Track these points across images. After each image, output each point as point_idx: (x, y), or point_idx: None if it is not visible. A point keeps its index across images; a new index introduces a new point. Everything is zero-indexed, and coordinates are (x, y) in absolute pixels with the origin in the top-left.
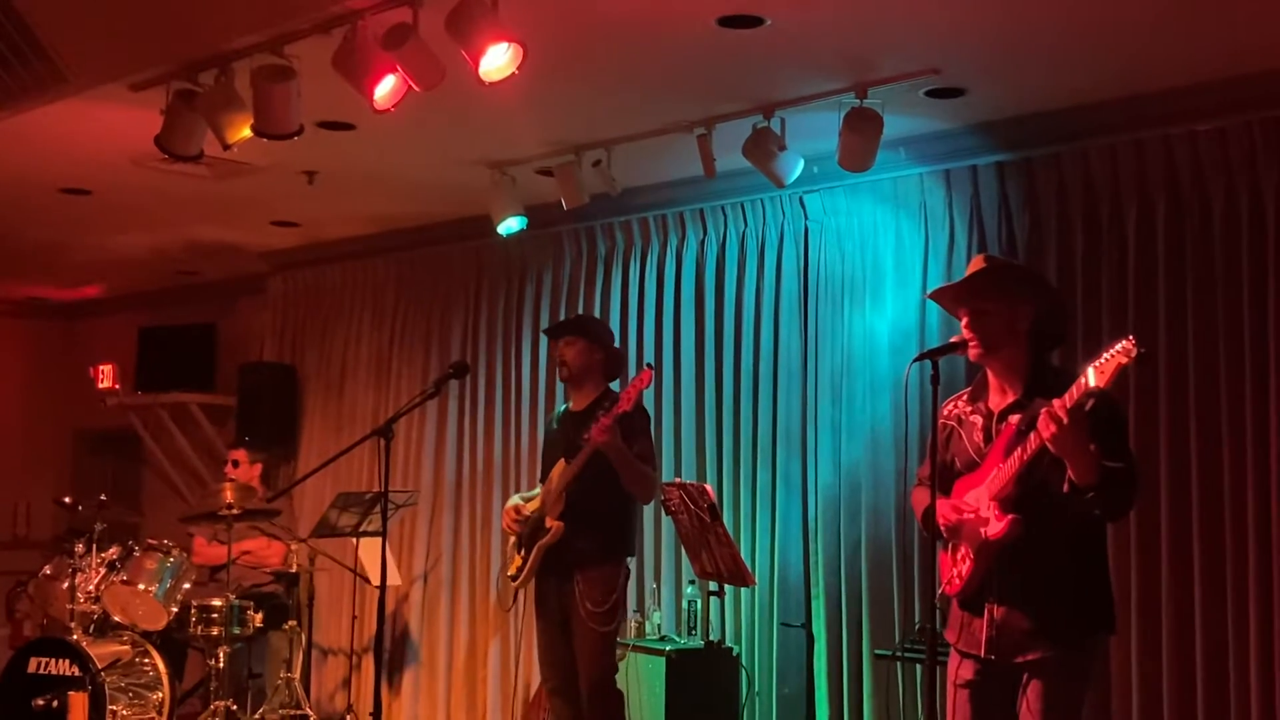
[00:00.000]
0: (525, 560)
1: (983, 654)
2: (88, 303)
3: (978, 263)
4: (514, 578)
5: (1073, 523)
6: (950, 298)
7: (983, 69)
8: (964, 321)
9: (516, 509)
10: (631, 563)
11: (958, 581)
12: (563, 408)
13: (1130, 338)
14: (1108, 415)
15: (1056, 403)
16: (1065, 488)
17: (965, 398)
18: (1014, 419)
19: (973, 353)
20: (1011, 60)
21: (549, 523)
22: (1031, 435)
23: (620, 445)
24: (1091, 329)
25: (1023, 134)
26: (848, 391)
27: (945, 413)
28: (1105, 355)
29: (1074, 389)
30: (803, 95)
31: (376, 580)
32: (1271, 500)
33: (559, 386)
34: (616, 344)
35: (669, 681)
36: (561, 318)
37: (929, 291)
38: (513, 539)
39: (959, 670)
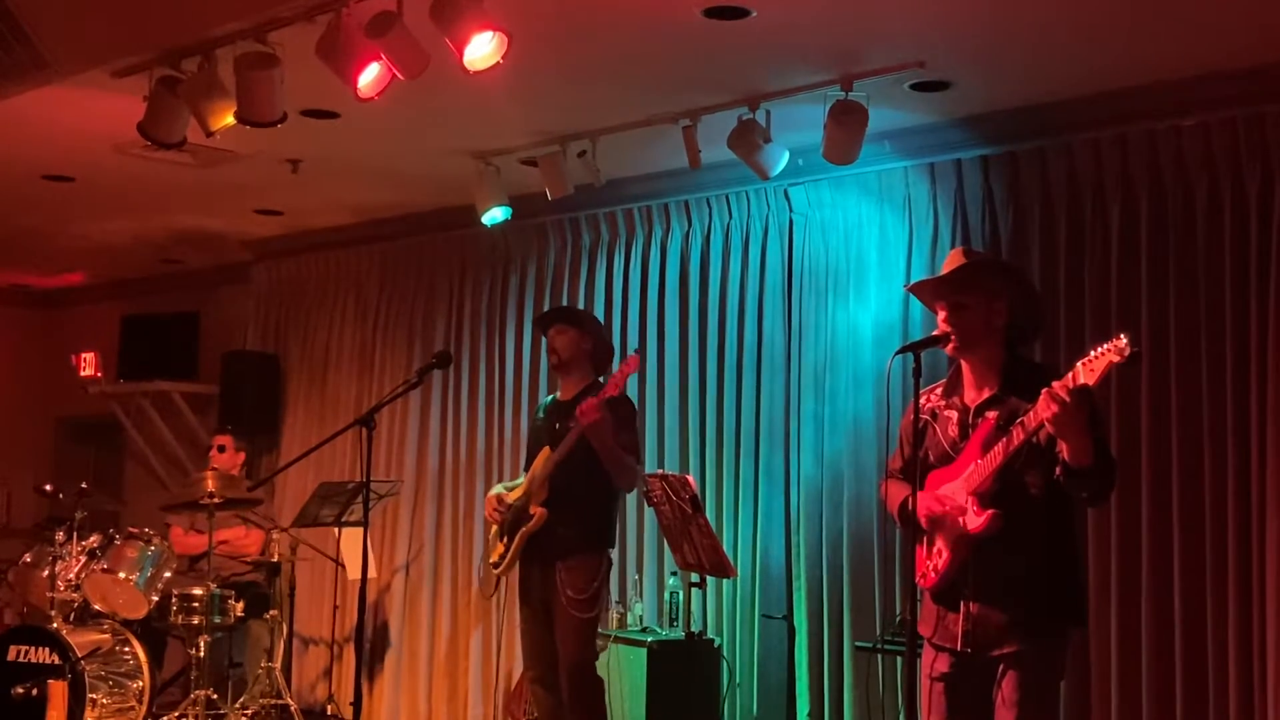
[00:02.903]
0: (508, 548)
1: (959, 648)
2: (70, 290)
3: (956, 256)
4: (496, 565)
5: (1047, 518)
6: (929, 291)
7: (968, 62)
8: (941, 315)
9: (499, 498)
10: (613, 553)
11: (933, 575)
12: (550, 398)
13: (1122, 336)
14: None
15: (1057, 384)
16: (1058, 471)
17: (940, 391)
18: (991, 414)
19: (950, 347)
20: (996, 54)
21: (533, 509)
22: (1014, 430)
23: (606, 428)
24: (1074, 323)
25: (1007, 128)
26: (831, 384)
27: (920, 404)
28: (1095, 352)
29: (1070, 376)
30: (788, 87)
31: (353, 574)
32: (1251, 495)
33: (543, 377)
34: (606, 336)
35: (650, 672)
36: (546, 308)
37: (908, 284)
38: (495, 527)
39: (934, 663)
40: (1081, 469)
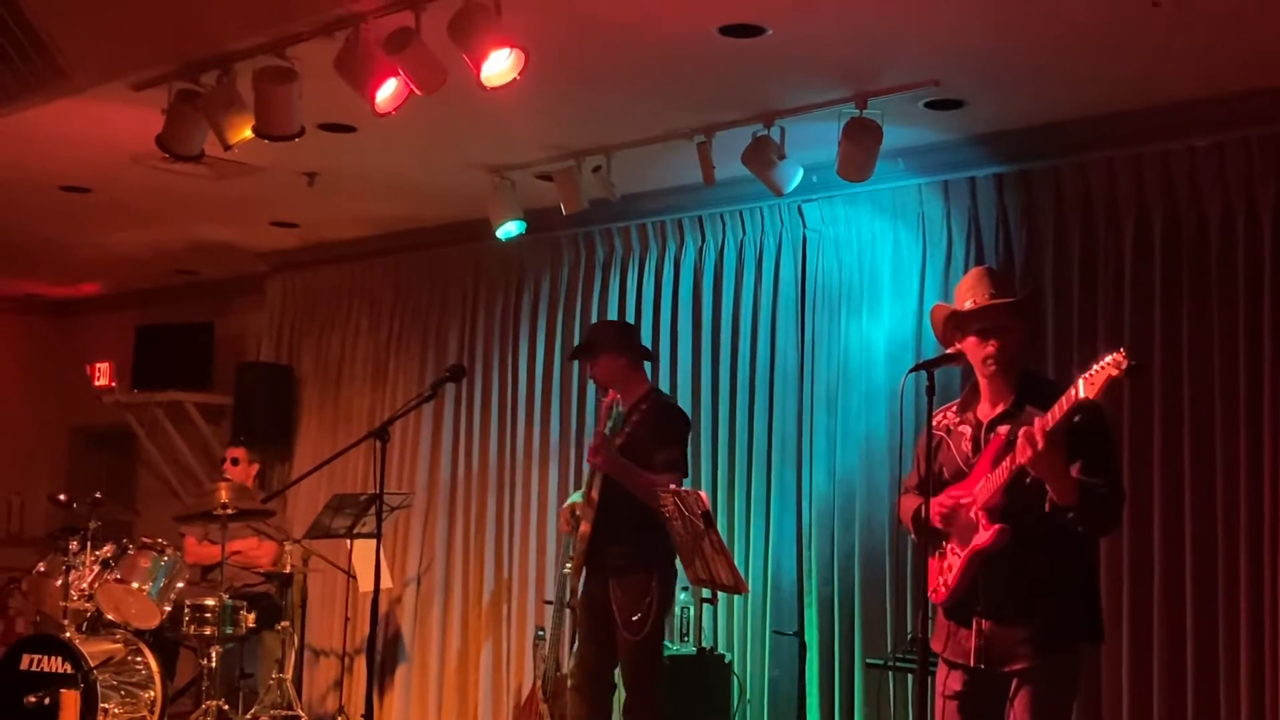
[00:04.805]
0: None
1: (972, 663)
2: (86, 300)
3: (980, 275)
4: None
5: (1059, 532)
6: (995, 313)
7: (982, 81)
8: (973, 340)
9: (571, 509)
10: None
11: (943, 590)
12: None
13: (1120, 350)
14: (1093, 427)
15: (1039, 422)
16: (1047, 506)
17: (954, 408)
18: (1002, 429)
19: (989, 368)
20: (1011, 73)
21: (583, 527)
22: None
23: (617, 464)
24: (1087, 342)
25: (1021, 147)
26: (843, 400)
27: (934, 423)
28: (1095, 367)
29: (1057, 406)
30: (803, 105)
31: (366, 587)
32: (1264, 514)
33: (556, 391)
34: (631, 337)
35: None
36: (559, 323)
37: (977, 305)
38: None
39: (947, 681)
40: (1066, 507)
